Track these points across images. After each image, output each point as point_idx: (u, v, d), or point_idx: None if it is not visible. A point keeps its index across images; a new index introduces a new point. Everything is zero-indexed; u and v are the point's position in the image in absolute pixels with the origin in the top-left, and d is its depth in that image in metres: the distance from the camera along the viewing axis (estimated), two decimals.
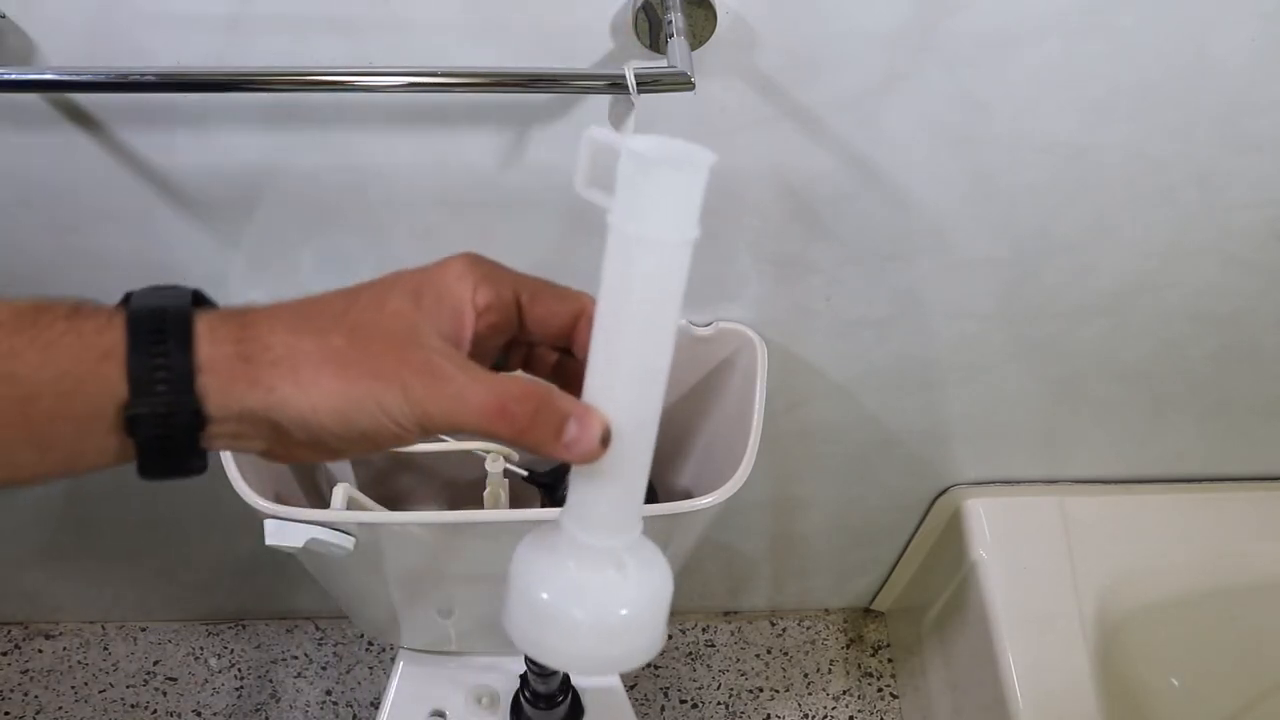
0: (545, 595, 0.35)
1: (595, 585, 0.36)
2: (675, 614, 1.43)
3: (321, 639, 1.39)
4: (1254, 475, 1.10)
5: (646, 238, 0.32)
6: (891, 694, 1.38)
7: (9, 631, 1.38)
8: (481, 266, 0.37)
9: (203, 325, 0.33)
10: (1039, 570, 1.05)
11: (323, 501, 0.92)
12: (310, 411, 0.33)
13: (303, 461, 0.36)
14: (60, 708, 1.32)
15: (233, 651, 1.38)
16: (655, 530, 0.84)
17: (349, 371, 0.33)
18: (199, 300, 0.34)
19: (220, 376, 0.32)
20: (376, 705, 1.26)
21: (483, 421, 0.33)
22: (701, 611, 1.44)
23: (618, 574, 0.36)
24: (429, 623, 0.95)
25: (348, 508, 0.78)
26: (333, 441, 0.34)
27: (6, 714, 1.31)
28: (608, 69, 0.57)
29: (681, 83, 0.55)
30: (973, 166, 0.70)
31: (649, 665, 1.39)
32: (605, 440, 0.33)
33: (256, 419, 0.33)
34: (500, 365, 0.40)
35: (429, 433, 0.34)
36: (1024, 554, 1.06)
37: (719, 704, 1.36)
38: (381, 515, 0.78)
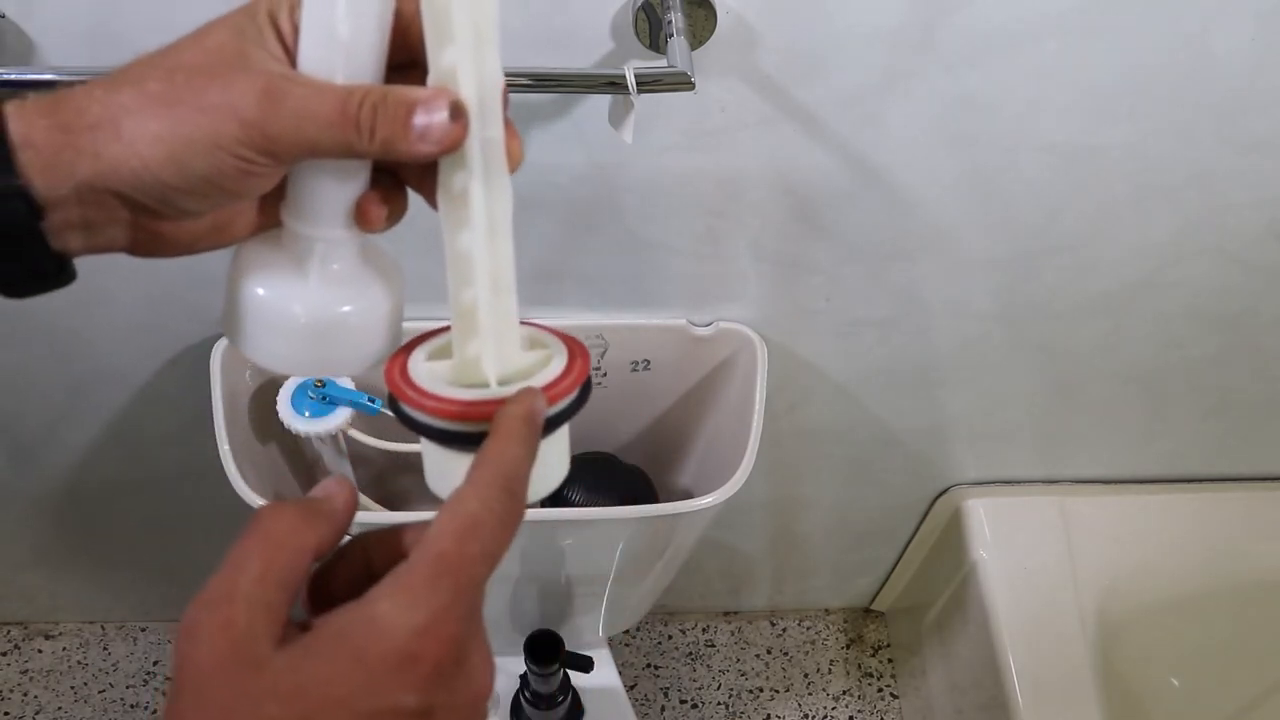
0: (261, 290, 0.33)
1: (316, 278, 0.33)
2: (675, 614, 1.43)
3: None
4: (1254, 475, 1.10)
5: None
6: (892, 694, 1.38)
7: (9, 631, 1.38)
8: None
9: (10, 107, 0.30)
10: (1039, 570, 1.05)
11: None
12: (142, 168, 0.29)
13: (180, 250, 0.33)
14: (60, 708, 1.32)
15: None
16: (655, 530, 0.84)
17: (173, 112, 0.29)
18: None
19: (41, 152, 0.29)
20: None
21: (330, 132, 0.30)
22: (701, 611, 1.44)
23: (340, 268, 0.34)
24: None
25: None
26: (184, 200, 0.31)
27: (6, 714, 1.31)
28: (608, 69, 0.57)
29: (681, 83, 0.55)
30: (973, 166, 0.70)
31: (649, 665, 1.39)
32: (457, 114, 0.30)
33: (98, 196, 0.30)
34: None
35: (281, 159, 0.30)
36: (1024, 554, 1.06)
37: (719, 704, 1.36)
38: (381, 515, 0.78)
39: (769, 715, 1.36)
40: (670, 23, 0.56)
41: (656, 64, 0.56)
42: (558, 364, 0.34)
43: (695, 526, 0.83)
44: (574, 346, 0.35)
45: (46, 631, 1.38)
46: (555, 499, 0.88)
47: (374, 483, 0.95)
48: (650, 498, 0.92)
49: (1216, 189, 0.73)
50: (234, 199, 0.32)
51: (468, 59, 0.30)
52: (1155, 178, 0.72)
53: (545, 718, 1.00)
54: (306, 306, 0.33)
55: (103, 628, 1.39)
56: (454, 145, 0.31)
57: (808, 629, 1.44)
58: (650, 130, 0.66)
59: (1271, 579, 1.09)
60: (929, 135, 0.68)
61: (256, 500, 0.71)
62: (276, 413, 0.77)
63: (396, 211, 0.34)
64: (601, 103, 0.63)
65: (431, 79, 0.31)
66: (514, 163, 0.32)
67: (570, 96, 0.64)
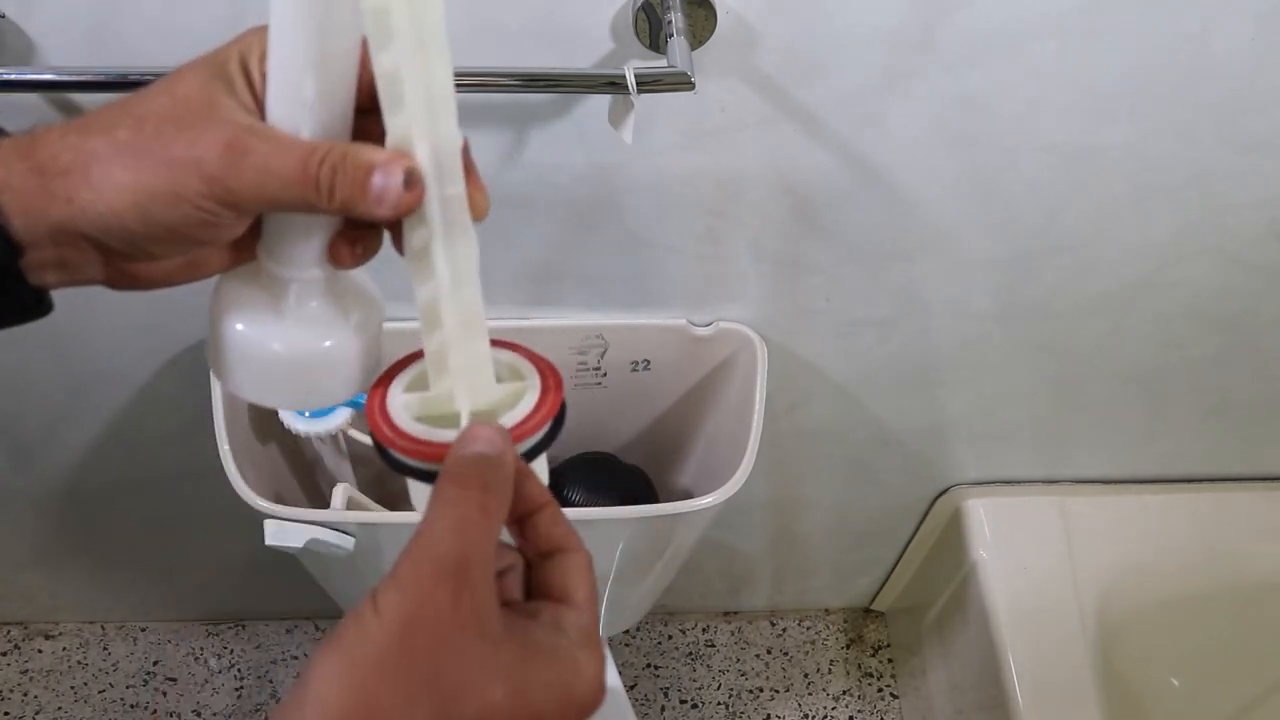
0: (240, 326, 0.35)
1: (292, 317, 0.35)
2: (675, 614, 1.43)
3: (321, 639, 1.39)
4: (1254, 475, 1.10)
5: None
6: (892, 694, 1.38)
7: (9, 631, 1.38)
8: None
9: None
10: (1039, 570, 1.05)
11: (323, 501, 0.92)
12: (110, 214, 0.30)
13: (156, 285, 0.34)
14: (60, 708, 1.32)
15: (233, 651, 1.38)
16: (655, 530, 0.84)
17: (140, 163, 0.30)
18: None
19: (18, 194, 0.30)
20: None
21: (291, 190, 0.31)
22: (701, 611, 1.44)
23: (317, 305, 0.35)
24: None
25: (348, 508, 0.78)
26: (152, 246, 0.32)
27: (6, 714, 1.31)
28: (608, 69, 0.57)
29: (681, 83, 0.55)
30: (973, 166, 0.70)
31: (649, 665, 1.39)
32: (412, 182, 0.31)
33: (71, 238, 0.31)
34: None
35: (244, 212, 0.31)
36: (1024, 554, 1.06)
37: (719, 704, 1.36)
38: (381, 515, 0.78)
39: (769, 715, 1.36)
40: (670, 23, 0.56)
41: (656, 64, 0.56)
42: (529, 400, 0.35)
43: (695, 526, 0.83)
44: (548, 377, 0.36)
45: (46, 631, 1.38)
46: (556, 499, 0.87)
47: (374, 483, 0.95)
48: (650, 498, 0.92)
49: (1216, 189, 0.73)
50: (201, 246, 0.33)
51: (422, 123, 0.31)
52: (1155, 178, 0.72)
53: None
54: (286, 345, 0.35)
55: (103, 628, 1.39)
56: (409, 209, 0.32)
57: (808, 629, 1.44)
58: (650, 130, 0.66)
59: (1271, 579, 1.09)
60: (929, 135, 0.68)
61: (257, 500, 0.71)
62: (276, 413, 0.77)
63: (369, 250, 0.35)
64: (601, 103, 0.63)
65: (390, 141, 0.32)
66: (478, 213, 0.33)
67: (570, 96, 0.64)
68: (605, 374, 0.87)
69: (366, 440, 0.80)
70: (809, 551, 1.29)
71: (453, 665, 0.28)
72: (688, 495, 0.79)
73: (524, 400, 0.35)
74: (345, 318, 0.36)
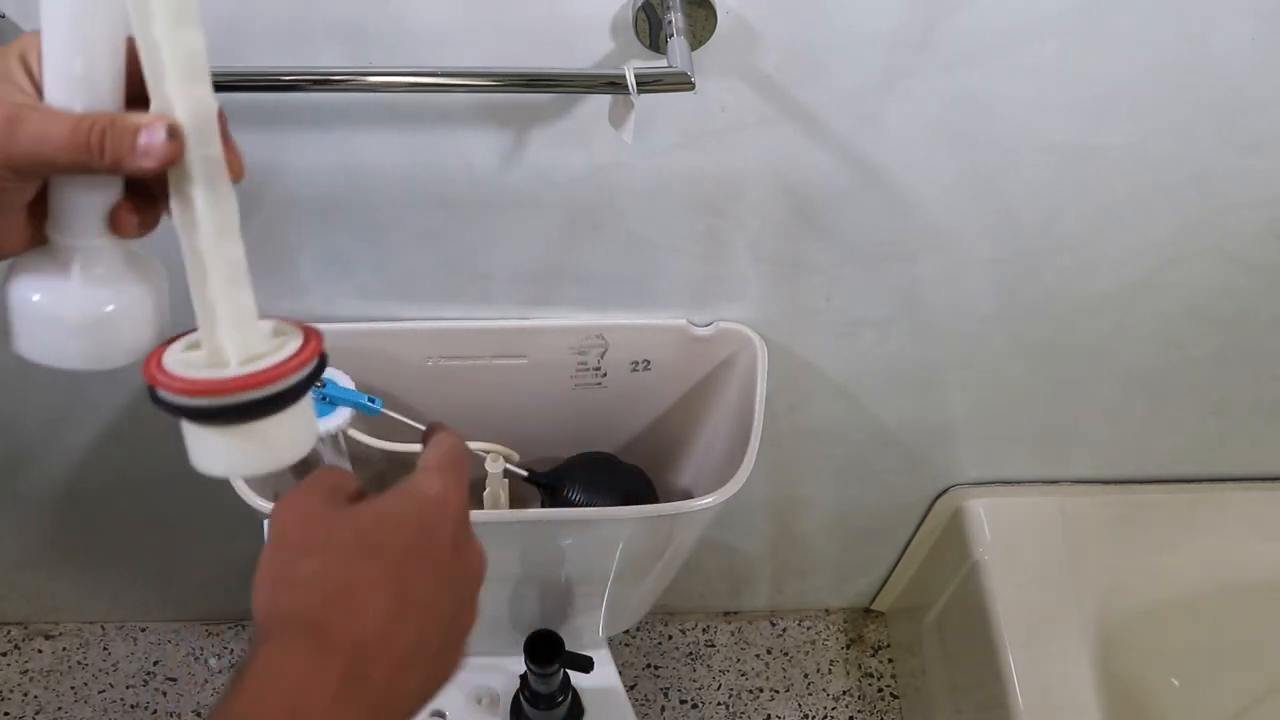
0: (27, 290, 0.38)
1: (77, 280, 0.38)
2: (675, 614, 1.43)
3: None
4: (1254, 475, 1.10)
5: None
6: (892, 694, 1.38)
7: (9, 631, 1.38)
8: None
9: None
10: (1039, 570, 1.05)
11: None
12: None
13: None
14: (60, 708, 1.32)
15: (233, 652, 1.38)
16: (655, 530, 0.84)
17: None
18: None
19: None
20: None
21: (65, 153, 0.34)
22: (701, 611, 1.44)
23: (102, 271, 0.39)
24: None
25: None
26: None
27: (6, 714, 1.31)
28: (608, 69, 0.57)
29: (681, 83, 0.55)
30: (973, 166, 0.70)
31: (649, 665, 1.39)
32: (173, 134, 0.35)
33: None
34: None
35: (24, 175, 0.35)
36: (1024, 554, 1.06)
37: (719, 704, 1.36)
38: None
39: (769, 715, 1.36)
40: (670, 23, 0.56)
41: (656, 64, 0.56)
42: (293, 344, 0.39)
43: (695, 526, 0.83)
44: (309, 331, 0.40)
45: (46, 631, 1.38)
46: (555, 499, 0.88)
47: (374, 483, 0.95)
48: (650, 498, 0.92)
49: (1216, 189, 0.73)
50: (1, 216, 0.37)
51: (182, 89, 0.35)
52: (1155, 178, 0.72)
53: (545, 718, 1.00)
54: (73, 306, 0.38)
55: (103, 628, 1.39)
56: (172, 159, 0.35)
57: (808, 629, 1.44)
58: (650, 130, 0.66)
59: (1271, 579, 1.09)
60: (929, 135, 0.68)
61: (256, 500, 0.71)
62: None
63: (149, 220, 0.39)
64: (601, 103, 0.63)
65: (154, 107, 0.36)
66: (235, 174, 0.37)
67: (570, 96, 0.64)
68: (605, 374, 0.87)
69: (367, 440, 0.80)
70: (809, 551, 1.29)
71: (308, 537, 0.38)
72: (688, 495, 0.79)
73: (288, 345, 0.39)
74: (129, 283, 0.39)
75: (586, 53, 0.61)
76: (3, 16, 0.57)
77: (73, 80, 0.35)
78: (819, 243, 0.77)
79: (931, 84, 0.64)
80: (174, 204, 0.37)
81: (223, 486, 0.73)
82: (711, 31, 0.59)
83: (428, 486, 0.40)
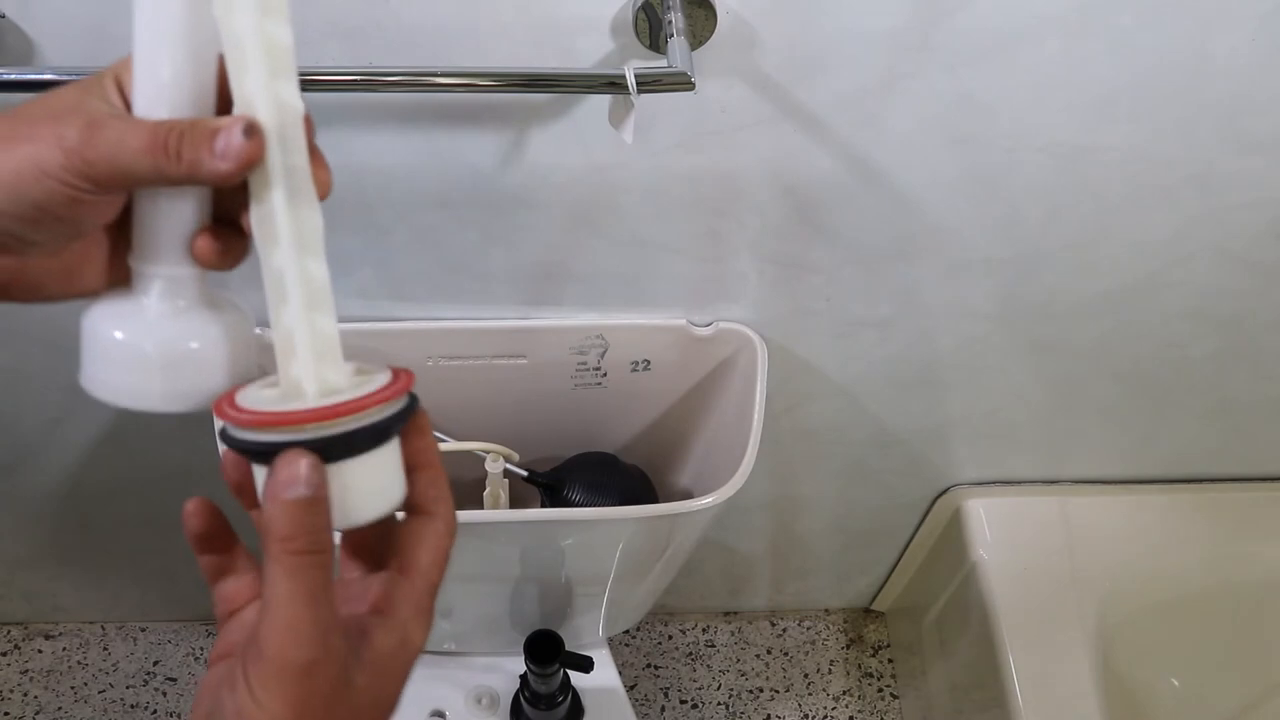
0: (107, 325, 0.35)
1: (157, 313, 0.36)
2: (675, 614, 1.43)
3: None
4: (1254, 475, 1.10)
5: None
6: (892, 694, 1.38)
7: (9, 631, 1.38)
8: None
9: None
10: (1039, 570, 1.05)
11: None
12: None
13: (30, 292, 0.36)
14: (60, 708, 1.32)
15: None
16: (655, 530, 0.84)
17: (8, 146, 0.33)
18: None
19: None
20: None
21: (143, 158, 0.32)
22: (701, 611, 1.44)
23: (185, 304, 0.36)
24: None
25: None
26: (23, 229, 0.33)
27: (6, 714, 1.31)
28: (608, 69, 0.57)
29: (681, 83, 0.55)
30: (972, 166, 0.70)
31: (649, 665, 1.39)
32: (250, 132, 0.33)
33: None
34: None
35: (102, 185, 0.33)
36: (1024, 554, 1.06)
37: (719, 704, 1.36)
38: None
39: (769, 715, 1.36)
40: (670, 23, 0.56)
41: (656, 64, 0.56)
42: (381, 378, 0.35)
43: (695, 526, 0.83)
44: (397, 369, 0.36)
45: (46, 631, 1.38)
46: (555, 499, 0.88)
47: None
48: (650, 498, 0.92)
49: (1216, 189, 0.73)
50: (72, 229, 0.34)
51: (264, 86, 0.33)
52: (1155, 178, 0.72)
53: (545, 718, 1.00)
54: (154, 339, 0.35)
55: (103, 628, 1.39)
56: (251, 160, 0.33)
57: (808, 629, 1.44)
58: (650, 130, 0.66)
59: (1271, 579, 1.09)
60: (929, 135, 0.68)
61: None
62: None
63: (235, 251, 0.37)
64: (601, 103, 0.63)
65: (236, 109, 0.33)
66: (322, 190, 0.35)
67: (570, 96, 0.64)
68: (605, 374, 0.87)
69: None
70: (809, 551, 1.29)
71: None
72: (688, 495, 0.79)
73: (375, 378, 0.35)
74: (212, 320, 0.36)
75: (586, 53, 0.61)
76: (3, 16, 0.57)
77: (160, 88, 0.33)
78: (819, 243, 0.77)
79: (931, 84, 0.64)
80: (253, 215, 0.34)
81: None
82: (711, 31, 0.59)
83: (415, 635, 0.36)
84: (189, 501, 0.39)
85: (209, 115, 0.34)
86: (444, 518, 0.37)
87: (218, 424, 0.34)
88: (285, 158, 0.33)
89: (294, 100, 0.33)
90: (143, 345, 0.35)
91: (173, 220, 0.35)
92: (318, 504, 0.33)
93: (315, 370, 0.34)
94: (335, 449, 0.33)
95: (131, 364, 0.35)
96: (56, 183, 0.32)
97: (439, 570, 0.37)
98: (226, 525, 0.40)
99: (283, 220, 0.34)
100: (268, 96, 0.33)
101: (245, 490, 0.37)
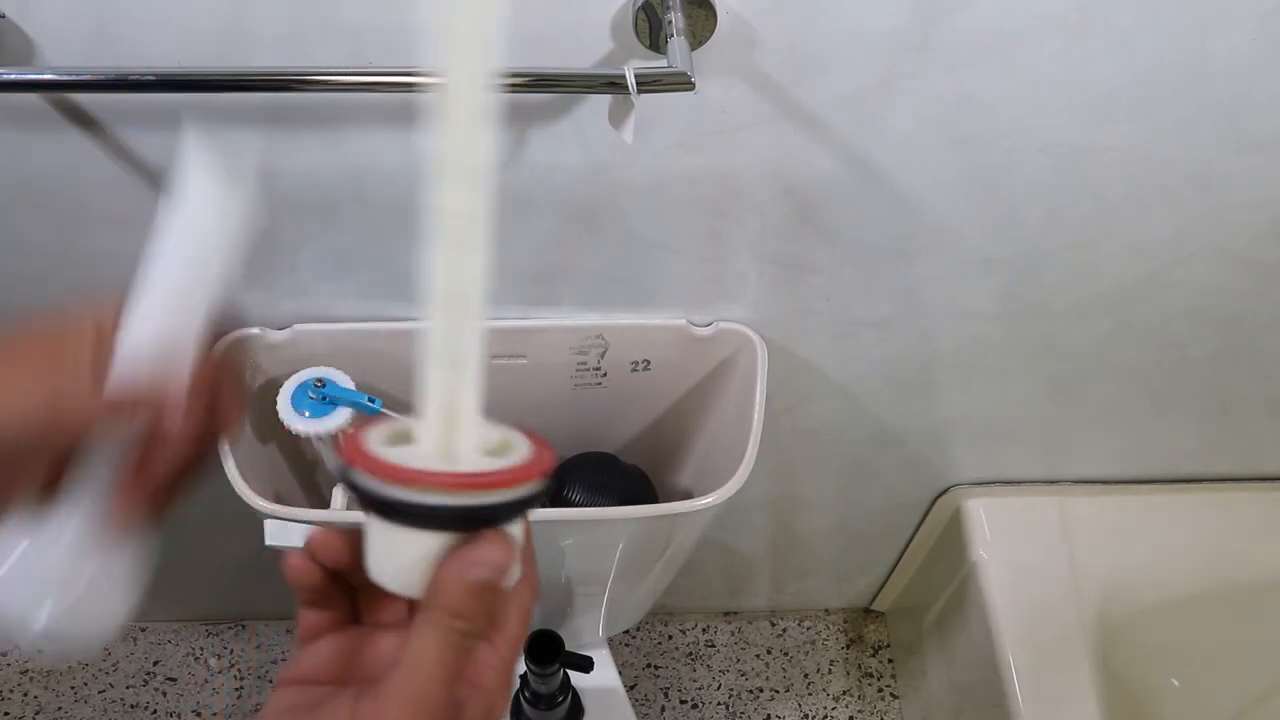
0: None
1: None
2: (675, 614, 1.43)
3: None
4: (1254, 475, 1.10)
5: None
6: (892, 694, 1.38)
7: None
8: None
9: None
10: (1039, 570, 1.05)
11: (323, 501, 0.92)
12: None
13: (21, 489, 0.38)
14: (60, 708, 1.32)
15: (232, 651, 1.38)
16: (655, 530, 0.84)
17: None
18: None
19: None
20: None
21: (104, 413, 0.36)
22: (701, 611, 1.44)
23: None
24: None
25: (348, 508, 0.78)
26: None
27: (6, 714, 1.31)
28: (608, 69, 0.57)
29: (681, 83, 0.55)
30: (972, 166, 0.70)
31: (649, 665, 1.39)
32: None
33: None
34: None
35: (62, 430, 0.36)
36: (1024, 554, 1.06)
37: (719, 704, 1.36)
38: None
39: (769, 715, 1.36)
40: (670, 23, 0.56)
41: (656, 64, 0.56)
42: (522, 449, 0.33)
43: (695, 526, 0.83)
44: (533, 437, 0.34)
45: None
46: (555, 499, 0.88)
47: None
48: (650, 498, 0.92)
49: (1216, 189, 0.73)
50: (53, 449, 0.38)
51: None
52: (1155, 178, 0.72)
53: (545, 718, 1.00)
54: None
55: None
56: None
57: (808, 629, 1.44)
58: (650, 130, 0.66)
59: (1271, 579, 1.09)
60: (929, 135, 0.68)
61: (257, 500, 0.71)
62: (276, 413, 0.77)
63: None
64: (601, 103, 0.63)
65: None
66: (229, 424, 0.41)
67: (570, 96, 0.64)
68: (605, 374, 0.87)
69: None
70: (809, 551, 1.29)
71: None
72: (688, 495, 0.79)
73: (517, 448, 0.33)
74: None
75: (586, 53, 0.61)
76: (3, 16, 0.57)
77: (145, 348, 0.36)
78: (819, 243, 0.77)
79: (931, 84, 0.64)
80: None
81: (223, 486, 0.73)
82: (711, 31, 0.59)
83: (499, 705, 0.35)
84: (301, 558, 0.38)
85: (187, 359, 0.38)
86: (530, 581, 0.36)
87: (366, 481, 0.31)
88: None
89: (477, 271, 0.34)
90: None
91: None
92: (498, 591, 0.32)
93: (467, 432, 0.32)
94: (495, 515, 0.31)
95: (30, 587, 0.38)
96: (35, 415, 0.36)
97: (522, 637, 0.36)
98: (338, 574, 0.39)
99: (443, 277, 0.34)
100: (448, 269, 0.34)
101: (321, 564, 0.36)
